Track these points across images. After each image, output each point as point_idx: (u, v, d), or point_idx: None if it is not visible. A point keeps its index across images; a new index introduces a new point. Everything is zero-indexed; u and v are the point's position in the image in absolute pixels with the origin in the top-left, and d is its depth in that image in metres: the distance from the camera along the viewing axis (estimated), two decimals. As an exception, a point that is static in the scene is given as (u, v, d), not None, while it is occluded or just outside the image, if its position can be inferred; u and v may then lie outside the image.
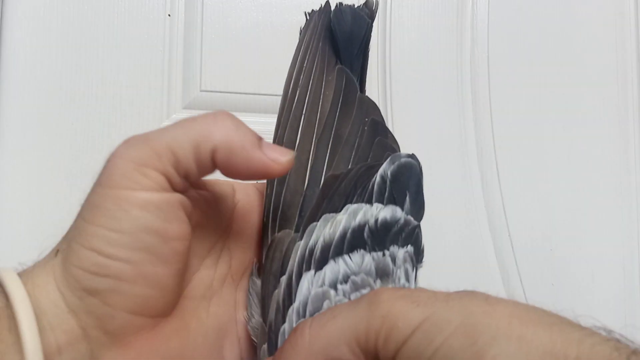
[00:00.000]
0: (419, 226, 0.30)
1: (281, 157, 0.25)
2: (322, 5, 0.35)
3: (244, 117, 0.70)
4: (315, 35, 0.34)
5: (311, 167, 0.30)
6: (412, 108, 0.64)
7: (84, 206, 0.24)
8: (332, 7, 0.34)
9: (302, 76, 0.32)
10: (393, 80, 0.64)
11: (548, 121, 0.68)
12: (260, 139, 0.25)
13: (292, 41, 0.67)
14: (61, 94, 0.57)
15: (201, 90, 0.60)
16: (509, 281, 0.65)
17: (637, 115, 0.70)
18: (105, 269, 0.22)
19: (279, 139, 0.31)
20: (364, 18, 0.35)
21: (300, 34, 0.35)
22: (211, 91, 0.60)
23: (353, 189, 0.29)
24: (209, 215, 0.26)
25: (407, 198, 0.30)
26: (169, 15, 0.60)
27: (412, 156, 0.31)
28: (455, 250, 0.64)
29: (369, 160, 0.31)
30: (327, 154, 0.30)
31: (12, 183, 0.55)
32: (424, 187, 0.32)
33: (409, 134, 0.64)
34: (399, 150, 0.33)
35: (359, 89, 0.34)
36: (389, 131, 0.33)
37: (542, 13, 0.69)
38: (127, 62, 0.58)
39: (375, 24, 0.68)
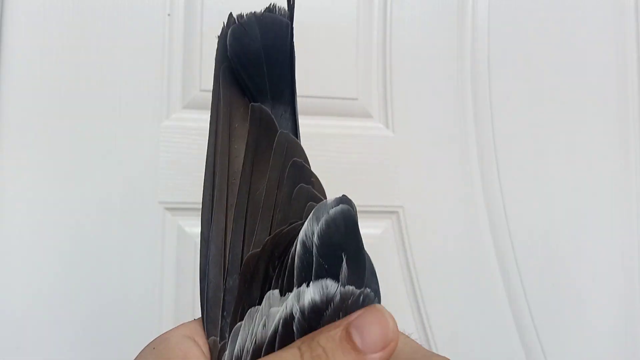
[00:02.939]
0: (364, 292, 0.21)
1: None
2: (224, 24, 0.27)
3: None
4: (216, 69, 0.27)
5: (231, 249, 0.24)
6: (412, 108, 0.64)
7: None
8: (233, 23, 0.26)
9: (210, 133, 0.26)
10: (393, 80, 0.64)
11: (549, 120, 0.68)
12: None
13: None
14: (61, 94, 0.57)
15: (201, 90, 0.60)
16: (509, 281, 0.65)
17: (637, 114, 0.70)
18: None
19: (201, 227, 0.25)
20: (280, 21, 0.26)
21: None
22: (211, 91, 0.60)
23: (271, 267, 0.23)
24: None
25: (344, 263, 0.21)
26: (169, 15, 0.60)
27: (344, 199, 0.22)
28: (455, 250, 0.64)
29: (289, 219, 0.25)
30: (245, 227, 0.24)
31: (12, 183, 0.55)
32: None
33: (409, 133, 0.64)
34: (324, 196, 0.25)
35: (278, 126, 0.26)
36: (313, 174, 0.26)
37: (542, 12, 0.69)
38: (127, 62, 0.58)
39: (375, 23, 0.68)
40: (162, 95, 0.59)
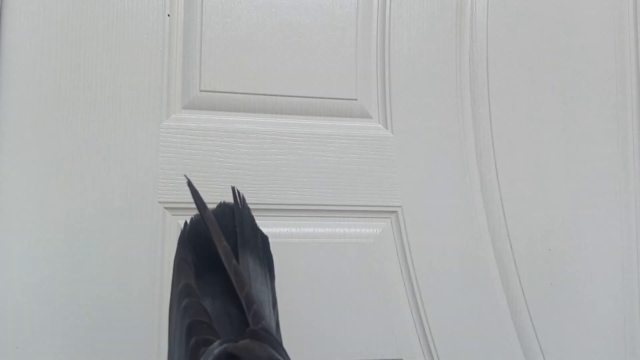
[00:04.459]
0: None
1: None
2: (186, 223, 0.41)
3: (244, 117, 0.70)
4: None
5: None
6: (411, 108, 0.64)
7: None
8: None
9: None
10: (393, 80, 0.64)
11: (547, 120, 0.68)
12: None
13: (291, 41, 0.67)
14: (61, 94, 0.57)
15: (201, 90, 0.60)
16: (507, 281, 0.65)
17: (635, 115, 0.71)
18: None
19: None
20: (226, 207, 0.42)
21: None
22: (211, 91, 0.60)
23: None
24: None
25: None
26: (169, 15, 0.60)
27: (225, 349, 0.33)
28: (453, 249, 0.64)
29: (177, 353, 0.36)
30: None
31: (12, 183, 0.55)
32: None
33: (409, 134, 0.64)
34: (216, 334, 0.35)
35: (186, 297, 0.37)
36: (204, 324, 0.35)
37: (541, 13, 0.69)
38: (127, 62, 0.58)
39: (375, 24, 0.69)
40: (162, 96, 0.59)
